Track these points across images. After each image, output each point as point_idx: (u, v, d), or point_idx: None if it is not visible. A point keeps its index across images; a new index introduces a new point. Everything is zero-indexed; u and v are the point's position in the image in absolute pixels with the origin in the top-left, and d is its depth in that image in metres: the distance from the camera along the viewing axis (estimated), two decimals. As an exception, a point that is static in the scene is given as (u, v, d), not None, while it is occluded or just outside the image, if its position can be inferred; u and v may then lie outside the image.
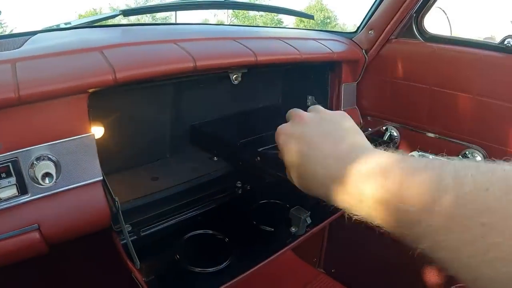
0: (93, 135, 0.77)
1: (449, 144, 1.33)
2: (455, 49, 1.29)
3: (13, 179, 0.69)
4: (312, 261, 2.02)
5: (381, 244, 1.66)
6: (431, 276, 1.56)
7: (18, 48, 0.80)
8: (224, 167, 1.18)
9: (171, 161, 1.21)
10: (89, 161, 0.77)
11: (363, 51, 1.44)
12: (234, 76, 1.06)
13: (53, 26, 1.15)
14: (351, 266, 1.89)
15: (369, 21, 1.45)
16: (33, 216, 0.73)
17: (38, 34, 0.96)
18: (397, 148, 1.47)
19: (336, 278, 1.93)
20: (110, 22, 1.17)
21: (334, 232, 1.91)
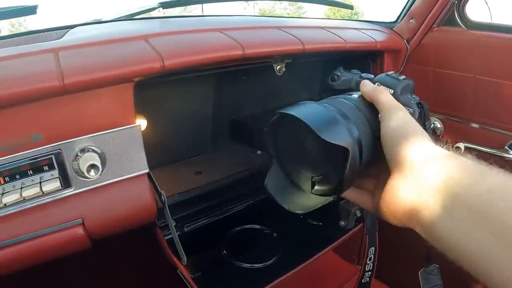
0: (139, 126, 0.75)
1: (494, 134, 1.29)
2: (501, 36, 1.24)
3: (56, 172, 0.67)
4: (351, 258, 1.97)
5: (420, 239, 1.62)
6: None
7: (59, 38, 0.78)
8: (268, 160, 1.15)
9: (213, 155, 1.20)
10: (135, 153, 0.75)
11: (405, 40, 1.40)
12: (278, 66, 1.03)
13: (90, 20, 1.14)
14: (391, 263, 1.83)
15: (410, 9, 1.41)
16: (77, 211, 0.70)
17: (77, 27, 0.94)
18: (440, 140, 1.43)
19: (375, 276, 1.89)
20: (147, 15, 1.16)
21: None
